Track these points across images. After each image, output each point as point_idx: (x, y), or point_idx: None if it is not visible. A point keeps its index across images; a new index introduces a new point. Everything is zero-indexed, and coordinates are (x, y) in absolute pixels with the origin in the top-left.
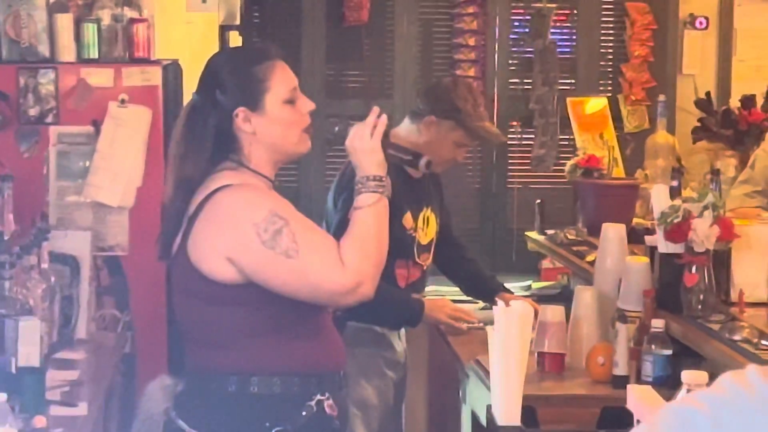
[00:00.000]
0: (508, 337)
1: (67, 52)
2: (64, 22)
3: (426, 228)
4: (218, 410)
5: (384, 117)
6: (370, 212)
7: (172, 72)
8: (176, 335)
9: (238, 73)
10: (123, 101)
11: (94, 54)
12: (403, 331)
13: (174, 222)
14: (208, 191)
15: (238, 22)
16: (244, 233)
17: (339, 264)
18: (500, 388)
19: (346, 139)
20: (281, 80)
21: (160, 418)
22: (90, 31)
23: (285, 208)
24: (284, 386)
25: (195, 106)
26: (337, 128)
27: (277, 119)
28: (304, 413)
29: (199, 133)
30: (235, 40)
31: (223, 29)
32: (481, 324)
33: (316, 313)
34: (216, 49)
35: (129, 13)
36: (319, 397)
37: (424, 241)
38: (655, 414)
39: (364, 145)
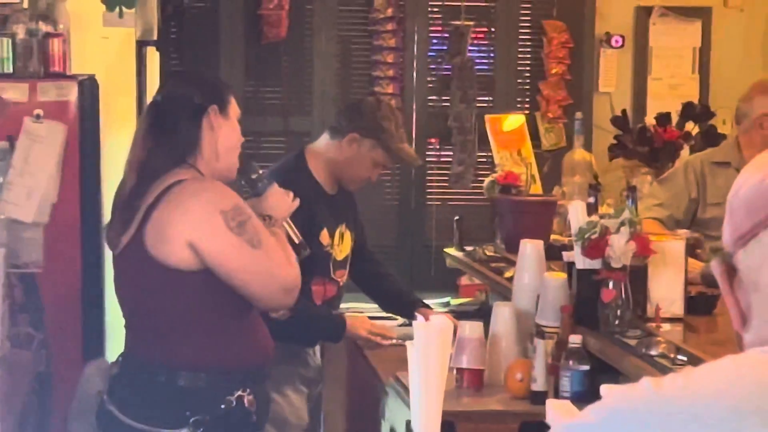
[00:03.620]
0: (428, 352)
1: None
2: None
3: (341, 244)
4: (146, 398)
5: (297, 200)
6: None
7: (89, 87)
8: (93, 352)
9: (212, 79)
10: (38, 117)
11: (8, 69)
12: (317, 347)
13: (133, 210)
14: (166, 184)
15: (155, 37)
16: (211, 218)
17: (289, 261)
18: (420, 403)
19: (266, 188)
20: (235, 103)
21: (94, 400)
22: (4, 45)
23: (245, 204)
24: (209, 381)
25: (159, 104)
26: (254, 175)
27: (233, 127)
28: (222, 406)
29: (168, 127)
30: (153, 55)
31: (141, 45)
32: (400, 340)
33: (249, 311)
34: (133, 64)
35: (44, 27)
36: (239, 392)
37: (340, 258)
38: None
39: (288, 198)
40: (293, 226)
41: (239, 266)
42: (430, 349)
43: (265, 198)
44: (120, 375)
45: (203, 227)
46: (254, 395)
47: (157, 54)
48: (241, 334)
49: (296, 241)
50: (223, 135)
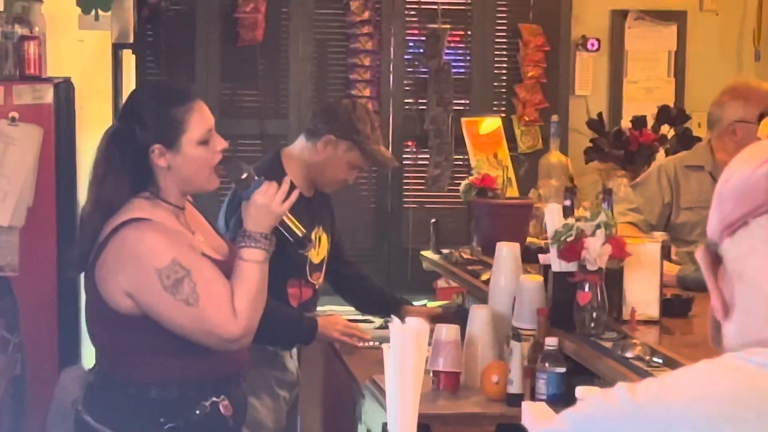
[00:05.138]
0: (404, 355)
1: None
2: None
3: (318, 247)
4: (119, 407)
5: (297, 190)
6: (259, 269)
7: (64, 90)
8: (68, 356)
9: (158, 112)
10: (14, 119)
11: None
12: (294, 350)
13: (87, 242)
14: (120, 221)
15: (131, 40)
16: (146, 276)
17: (232, 314)
18: (396, 405)
19: (254, 191)
20: (198, 122)
21: (71, 408)
22: None
23: (188, 256)
24: (180, 392)
25: (115, 133)
26: (244, 176)
27: (190, 158)
28: (197, 412)
29: (119, 160)
30: (129, 58)
31: (116, 48)
32: (376, 342)
33: None
34: (109, 67)
35: (20, 30)
36: (214, 399)
37: (316, 260)
38: None
39: (272, 207)
40: (294, 220)
41: (174, 323)
42: (406, 351)
43: (248, 211)
44: (94, 384)
45: (138, 284)
46: (230, 400)
47: (133, 57)
48: (207, 350)
49: (300, 235)
50: (177, 168)
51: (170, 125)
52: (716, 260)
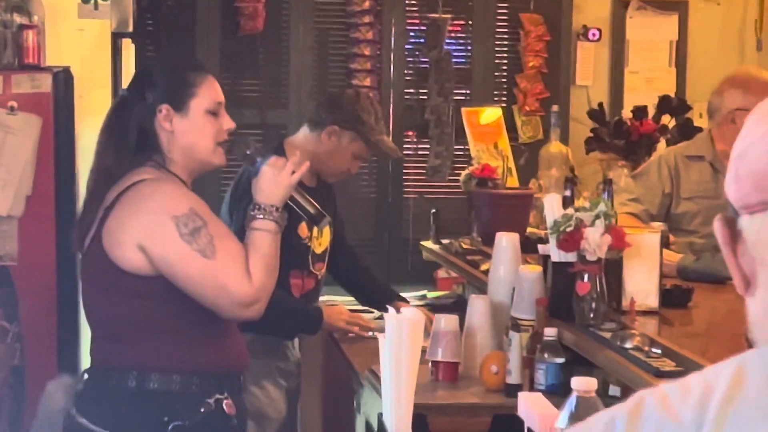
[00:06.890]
0: (399, 345)
1: None
2: None
3: (320, 237)
4: (118, 405)
5: (307, 162)
6: (271, 237)
7: (63, 79)
8: (67, 345)
9: (171, 74)
10: (12, 108)
11: None
12: (296, 340)
13: (91, 213)
14: (127, 184)
15: (131, 29)
16: (162, 223)
17: (247, 275)
18: (391, 395)
19: (263, 163)
20: (209, 91)
21: (58, 417)
22: None
23: (204, 209)
24: (183, 384)
25: (122, 100)
26: (249, 151)
27: (196, 124)
28: (202, 410)
29: (123, 125)
30: (128, 47)
31: (116, 36)
32: (374, 333)
33: (220, 317)
34: (109, 56)
35: (18, 19)
36: (218, 396)
37: (319, 251)
38: None
39: (281, 177)
40: (306, 196)
41: (187, 275)
42: (402, 341)
43: (257, 184)
44: (87, 388)
45: (153, 232)
46: (233, 400)
47: (133, 46)
48: (212, 340)
49: (312, 211)
50: (181, 133)
51: (182, 87)
52: (735, 234)
